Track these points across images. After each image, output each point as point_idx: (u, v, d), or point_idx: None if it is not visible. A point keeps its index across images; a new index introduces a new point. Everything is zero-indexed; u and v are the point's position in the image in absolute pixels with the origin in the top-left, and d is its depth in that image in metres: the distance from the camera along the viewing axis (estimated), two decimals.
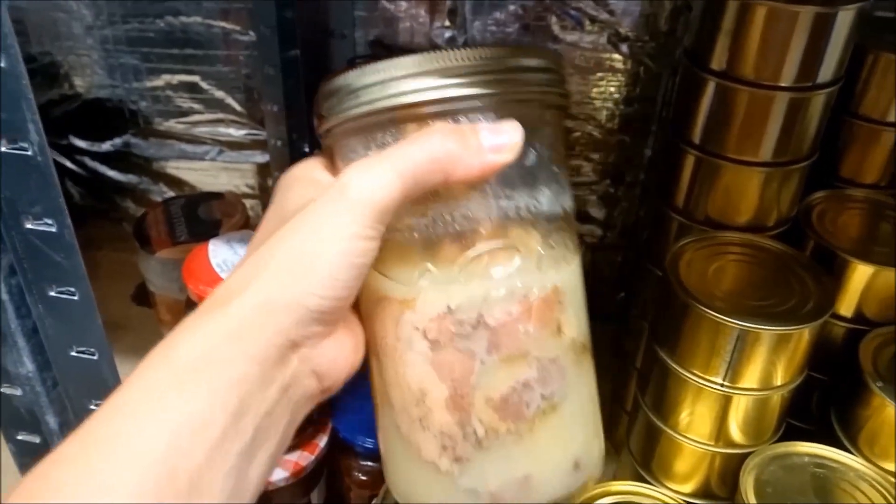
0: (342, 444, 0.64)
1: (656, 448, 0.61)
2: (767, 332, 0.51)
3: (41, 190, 0.45)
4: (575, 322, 0.30)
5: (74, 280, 0.49)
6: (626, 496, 0.56)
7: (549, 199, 0.30)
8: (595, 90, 0.81)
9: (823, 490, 0.52)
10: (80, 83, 0.89)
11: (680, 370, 0.56)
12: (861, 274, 0.59)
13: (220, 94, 0.88)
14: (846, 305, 0.60)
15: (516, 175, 0.29)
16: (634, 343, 0.72)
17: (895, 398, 0.53)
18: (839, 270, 0.59)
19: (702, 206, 0.62)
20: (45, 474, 0.24)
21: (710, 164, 0.60)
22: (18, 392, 0.56)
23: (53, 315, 0.52)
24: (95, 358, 0.54)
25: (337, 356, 0.29)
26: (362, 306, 0.31)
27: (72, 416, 0.59)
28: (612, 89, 0.81)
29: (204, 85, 0.87)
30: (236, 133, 0.90)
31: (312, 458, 0.63)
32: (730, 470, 0.57)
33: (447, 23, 0.78)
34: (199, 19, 0.81)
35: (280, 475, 0.61)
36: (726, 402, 0.55)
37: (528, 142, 0.28)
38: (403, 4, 0.77)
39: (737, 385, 0.54)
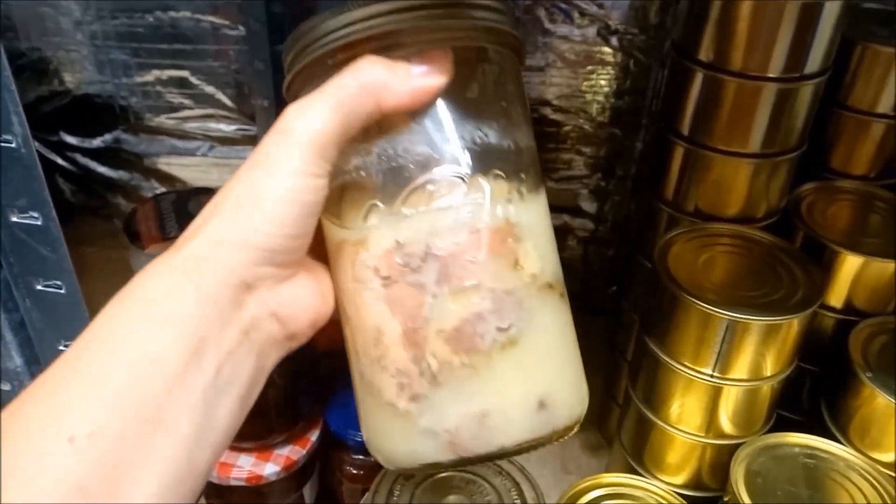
0: (334, 438, 0.64)
1: (647, 440, 0.61)
2: (756, 323, 0.51)
3: (26, 183, 0.45)
4: (536, 258, 0.30)
5: (61, 274, 0.49)
6: (618, 488, 0.56)
7: (497, 132, 0.29)
8: (585, 83, 0.81)
9: (814, 480, 0.52)
10: (69, 79, 0.89)
11: (670, 361, 0.56)
12: (851, 265, 0.59)
13: (210, 89, 0.87)
14: (836, 296, 0.60)
15: (458, 107, 0.29)
16: (626, 336, 0.72)
17: (885, 388, 0.53)
18: (829, 261, 0.59)
19: (691, 198, 0.62)
20: (12, 412, 0.24)
21: (699, 156, 0.60)
22: (7, 387, 0.56)
23: (41, 309, 0.52)
24: None
25: (299, 300, 0.29)
26: (330, 260, 0.31)
27: None
28: (603, 82, 0.81)
29: (194, 80, 0.87)
30: (227, 128, 0.90)
31: (304, 452, 0.63)
32: (720, 461, 0.57)
33: None
34: (188, 14, 0.81)
35: (272, 469, 0.61)
36: (716, 393, 0.55)
37: (469, 75, 0.29)
38: None
39: (727, 376, 0.54)
